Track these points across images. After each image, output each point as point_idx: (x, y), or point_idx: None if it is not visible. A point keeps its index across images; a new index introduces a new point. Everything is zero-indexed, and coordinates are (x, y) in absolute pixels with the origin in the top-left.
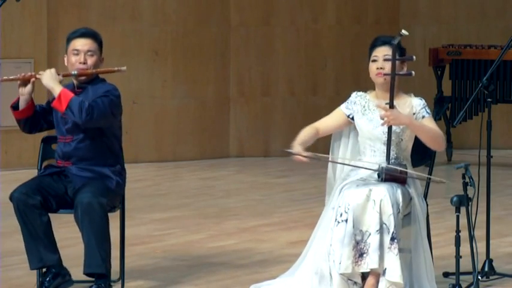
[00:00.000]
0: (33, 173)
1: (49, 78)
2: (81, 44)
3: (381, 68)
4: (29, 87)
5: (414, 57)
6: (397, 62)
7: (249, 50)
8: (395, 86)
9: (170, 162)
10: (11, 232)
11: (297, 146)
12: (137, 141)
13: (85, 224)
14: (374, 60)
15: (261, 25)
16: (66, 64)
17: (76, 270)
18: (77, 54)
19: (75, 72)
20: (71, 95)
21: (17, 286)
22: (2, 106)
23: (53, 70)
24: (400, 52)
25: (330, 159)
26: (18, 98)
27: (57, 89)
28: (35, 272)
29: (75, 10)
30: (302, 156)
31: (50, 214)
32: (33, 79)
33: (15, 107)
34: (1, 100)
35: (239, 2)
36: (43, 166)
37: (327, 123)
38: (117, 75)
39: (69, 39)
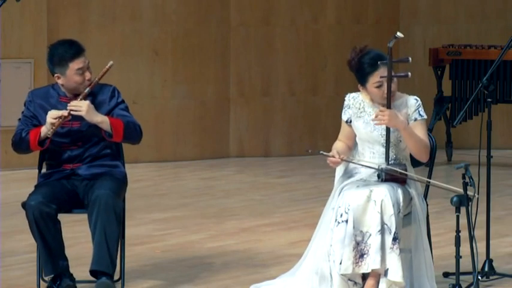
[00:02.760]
0: (33, 173)
1: (94, 114)
2: (81, 62)
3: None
4: (58, 125)
5: (410, 58)
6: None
7: (249, 50)
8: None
9: (170, 162)
10: (11, 232)
11: (334, 150)
12: None
13: (100, 221)
14: (379, 86)
15: (261, 25)
16: (62, 82)
17: (76, 270)
18: (82, 73)
19: (88, 89)
20: (120, 121)
21: (17, 286)
22: (2, 106)
23: (90, 104)
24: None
25: (360, 162)
26: (39, 133)
27: (106, 122)
28: (35, 272)
29: (75, 10)
30: (337, 158)
31: None
32: (69, 118)
33: (40, 142)
34: (1, 100)
35: (239, 2)
36: (43, 168)
37: (343, 136)
38: (118, 76)
39: (63, 60)
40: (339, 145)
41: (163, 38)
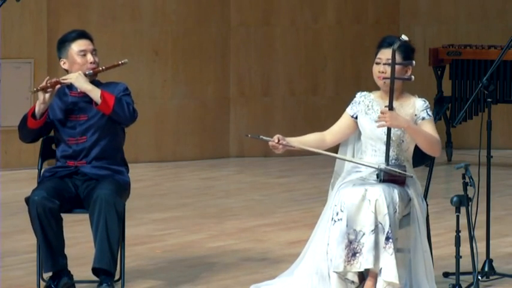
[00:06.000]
0: (33, 173)
1: (84, 81)
2: (85, 44)
3: (383, 72)
4: (51, 94)
5: (414, 62)
6: (399, 65)
7: (249, 50)
8: (400, 87)
9: (170, 162)
10: (11, 232)
11: (275, 136)
12: (137, 141)
13: (102, 220)
14: (377, 63)
15: (261, 25)
16: (67, 67)
17: (75, 270)
18: (85, 55)
19: (91, 72)
20: (113, 95)
21: (17, 286)
22: (2, 106)
23: (81, 73)
24: (406, 54)
25: (321, 153)
26: (34, 106)
27: (96, 91)
28: (34, 271)
29: (75, 10)
30: (276, 143)
31: None
32: (58, 86)
33: (33, 115)
34: (1, 100)
35: (239, 2)
36: (43, 167)
37: (334, 129)
38: (117, 76)
39: (66, 42)
40: (309, 135)
41: (163, 38)
